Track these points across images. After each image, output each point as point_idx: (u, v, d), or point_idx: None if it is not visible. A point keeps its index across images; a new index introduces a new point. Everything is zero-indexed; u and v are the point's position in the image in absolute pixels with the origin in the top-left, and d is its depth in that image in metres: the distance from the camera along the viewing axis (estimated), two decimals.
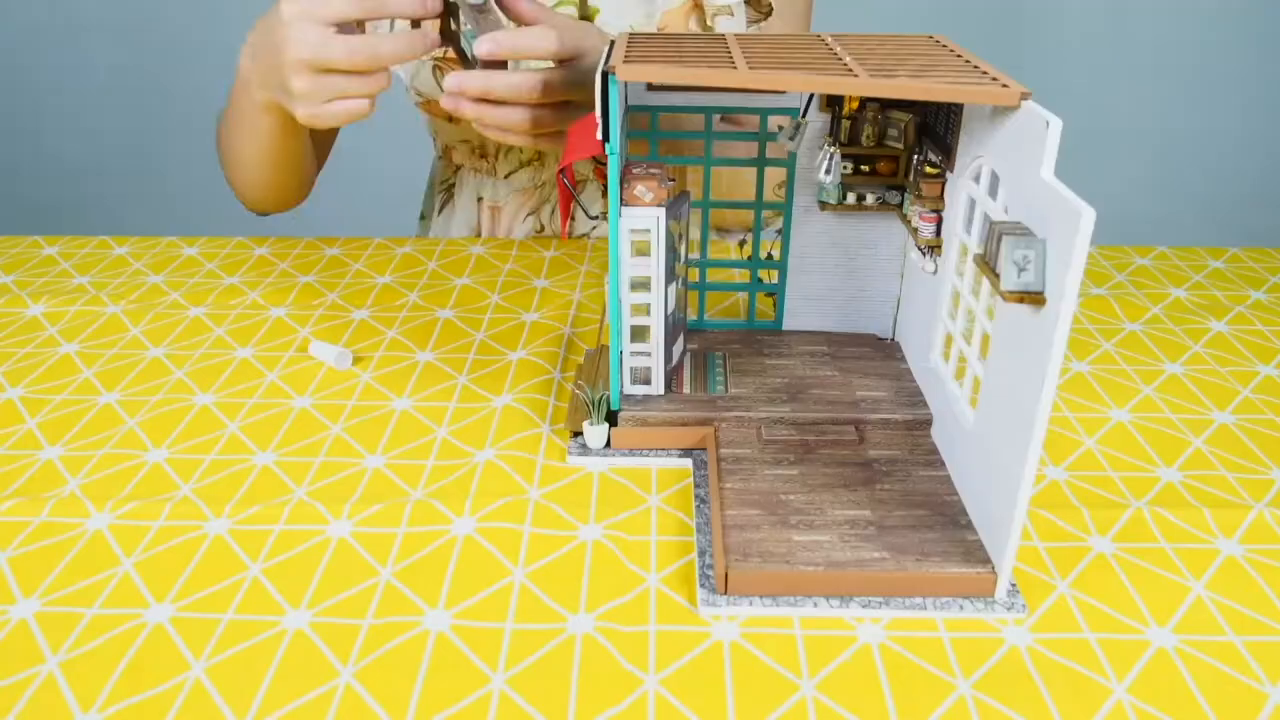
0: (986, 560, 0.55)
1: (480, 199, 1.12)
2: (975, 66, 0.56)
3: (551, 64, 0.74)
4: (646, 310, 0.67)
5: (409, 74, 1.04)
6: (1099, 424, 0.72)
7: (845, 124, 0.69)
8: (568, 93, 0.74)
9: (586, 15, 0.98)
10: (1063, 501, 0.64)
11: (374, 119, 0.81)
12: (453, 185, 1.15)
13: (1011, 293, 0.48)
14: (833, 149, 0.68)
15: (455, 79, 0.70)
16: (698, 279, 0.78)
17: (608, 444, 0.68)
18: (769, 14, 0.99)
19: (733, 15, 0.97)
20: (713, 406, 0.69)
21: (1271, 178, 2.40)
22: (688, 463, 0.67)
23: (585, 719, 0.48)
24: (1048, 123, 0.48)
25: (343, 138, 1.08)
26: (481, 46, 0.69)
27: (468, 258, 1.00)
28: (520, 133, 0.74)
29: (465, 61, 0.73)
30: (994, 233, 0.50)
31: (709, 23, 0.97)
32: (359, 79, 0.71)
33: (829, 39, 0.63)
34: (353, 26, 0.71)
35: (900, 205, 0.71)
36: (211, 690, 0.50)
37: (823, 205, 0.72)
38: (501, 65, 0.73)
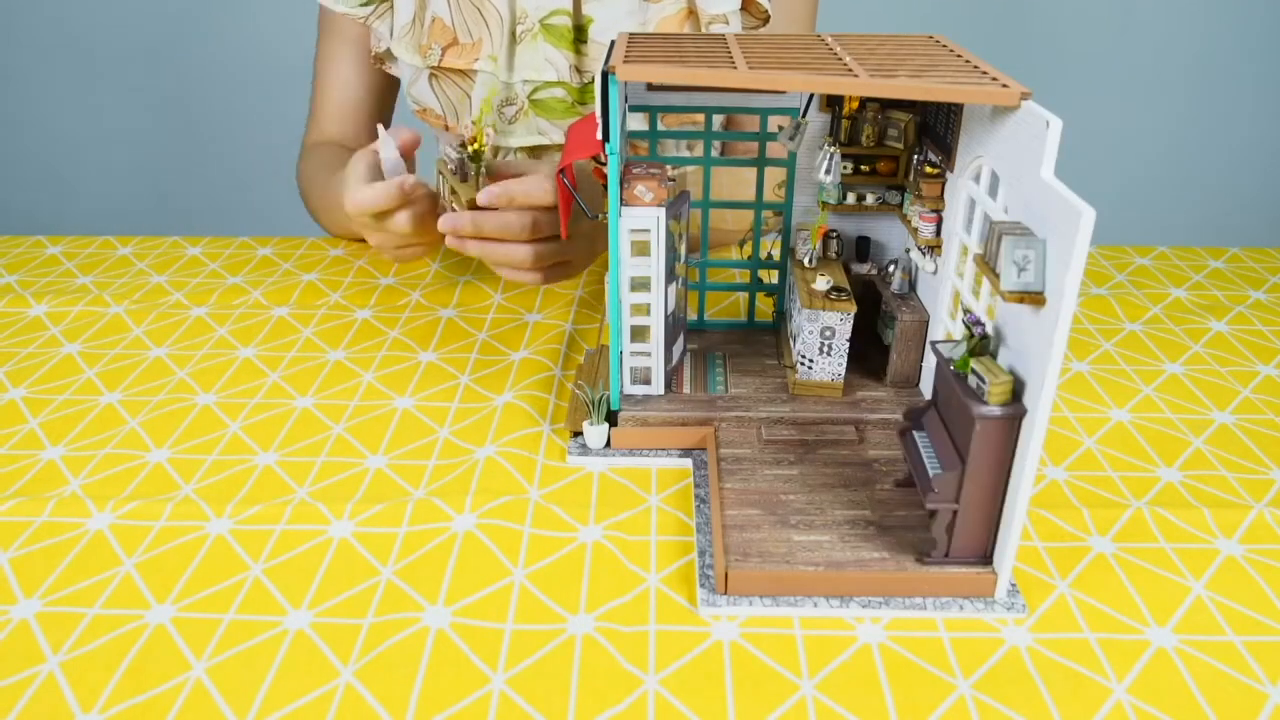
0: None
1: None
2: (975, 66, 0.56)
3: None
4: (646, 310, 0.67)
5: (407, 81, 1.05)
6: (1099, 424, 0.72)
7: (845, 124, 0.69)
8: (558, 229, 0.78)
9: (581, 25, 0.98)
10: (1063, 501, 0.64)
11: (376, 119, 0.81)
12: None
13: (1011, 293, 0.48)
14: (833, 149, 0.68)
15: (447, 220, 0.73)
16: (698, 279, 0.78)
17: (608, 444, 0.68)
18: (766, 20, 0.99)
19: (728, 24, 0.97)
20: (713, 406, 0.69)
21: (1271, 178, 2.40)
22: (688, 463, 0.67)
23: (585, 719, 0.48)
24: (1048, 123, 0.48)
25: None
26: (481, 198, 0.73)
27: (470, 258, 1.00)
28: (524, 268, 0.77)
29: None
30: (994, 233, 0.50)
31: (704, 31, 0.97)
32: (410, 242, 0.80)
33: (829, 39, 0.63)
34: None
35: (900, 205, 0.71)
36: (212, 690, 0.50)
37: (823, 205, 0.72)
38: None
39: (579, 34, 0.99)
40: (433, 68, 1.00)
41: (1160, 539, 0.60)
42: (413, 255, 0.82)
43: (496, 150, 1.06)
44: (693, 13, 0.98)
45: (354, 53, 1.06)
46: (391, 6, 1.01)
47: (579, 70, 1.00)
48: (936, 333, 0.67)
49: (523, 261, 0.76)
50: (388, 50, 1.03)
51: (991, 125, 0.55)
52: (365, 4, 1.00)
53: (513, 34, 0.98)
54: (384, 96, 1.11)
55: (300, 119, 1.13)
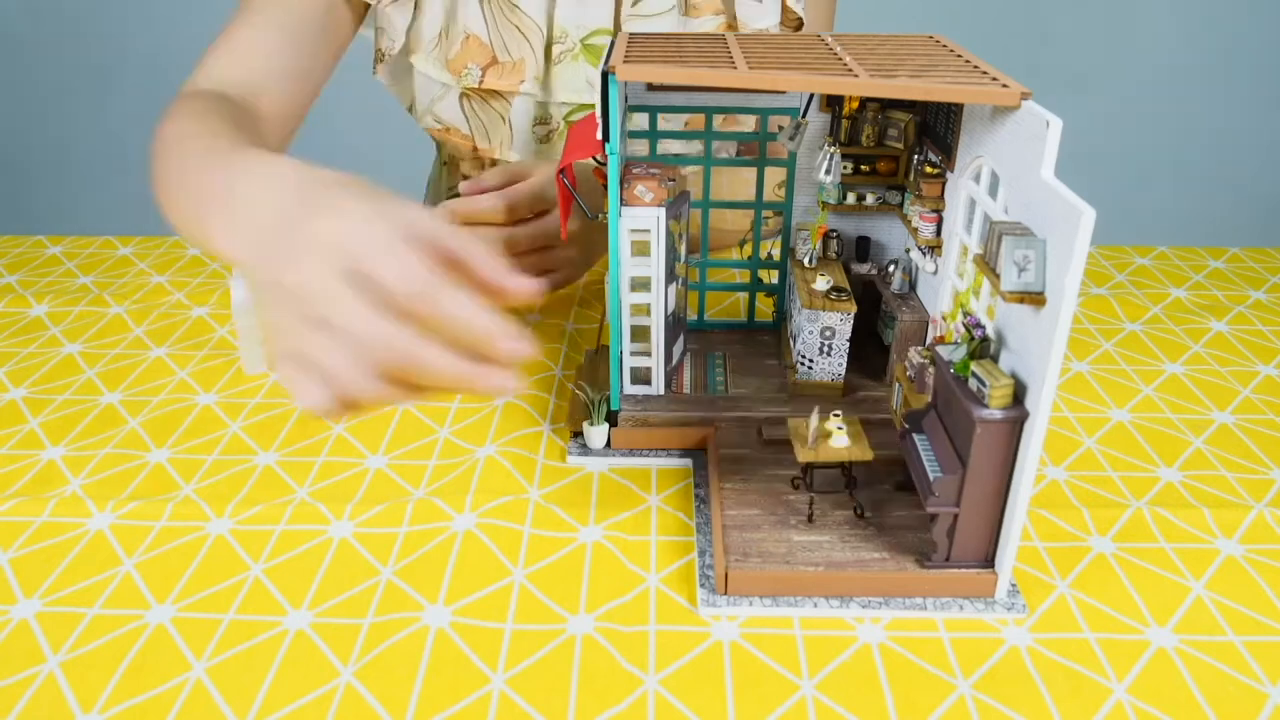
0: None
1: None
2: (975, 66, 0.56)
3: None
4: (646, 310, 0.67)
5: (428, 97, 0.98)
6: (1099, 424, 0.72)
7: (845, 124, 0.69)
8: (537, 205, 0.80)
9: None
10: (1063, 501, 0.64)
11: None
12: (457, 194, 1.14)
13: (1011, 293, 0.48)
14: (833, 149, 0.68)
15: (468, 190, 0.78)
16: (698, 279, 0.78)
17: (608, 444, 0.68)
18: (799, 27, 0.98)
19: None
20: (713, 406, 0.69)
21: (1272, 179, 2.40)
22: (688, 463, 0.67)
23: (585, 719, 0.48)
24: (1048, 123, 0.48)
25: (343, 136, 1.08)
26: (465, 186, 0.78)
27: None
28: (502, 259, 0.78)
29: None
30: (994, 233, 0.50)
31: None
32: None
33: (829, 39, 0.63)
34: None
35: (900, 205, 0.71)
36: (213, 690, 0.50)
37: (823, 205, 0.72)
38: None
39: None
40: (470, 89, 0.95)
41: (1160, 539, 0.60)
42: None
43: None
44: (732, 27, 0.96)
45: (290, 24, 0.86)
46: (415, 4, 0.92)
47: None
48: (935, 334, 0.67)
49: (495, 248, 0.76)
50: (389, 68, 0.96)
51: (991, 125, 0.55)
52: None
53: (548, 53, 0.94)
54: (338, 44, 0.91)
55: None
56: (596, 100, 0.96)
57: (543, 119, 0.98)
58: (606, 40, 0.94)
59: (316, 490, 0.65)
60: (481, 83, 0.94)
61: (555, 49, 0.94)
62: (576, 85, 0.95)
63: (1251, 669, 0.51)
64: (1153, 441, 0.70)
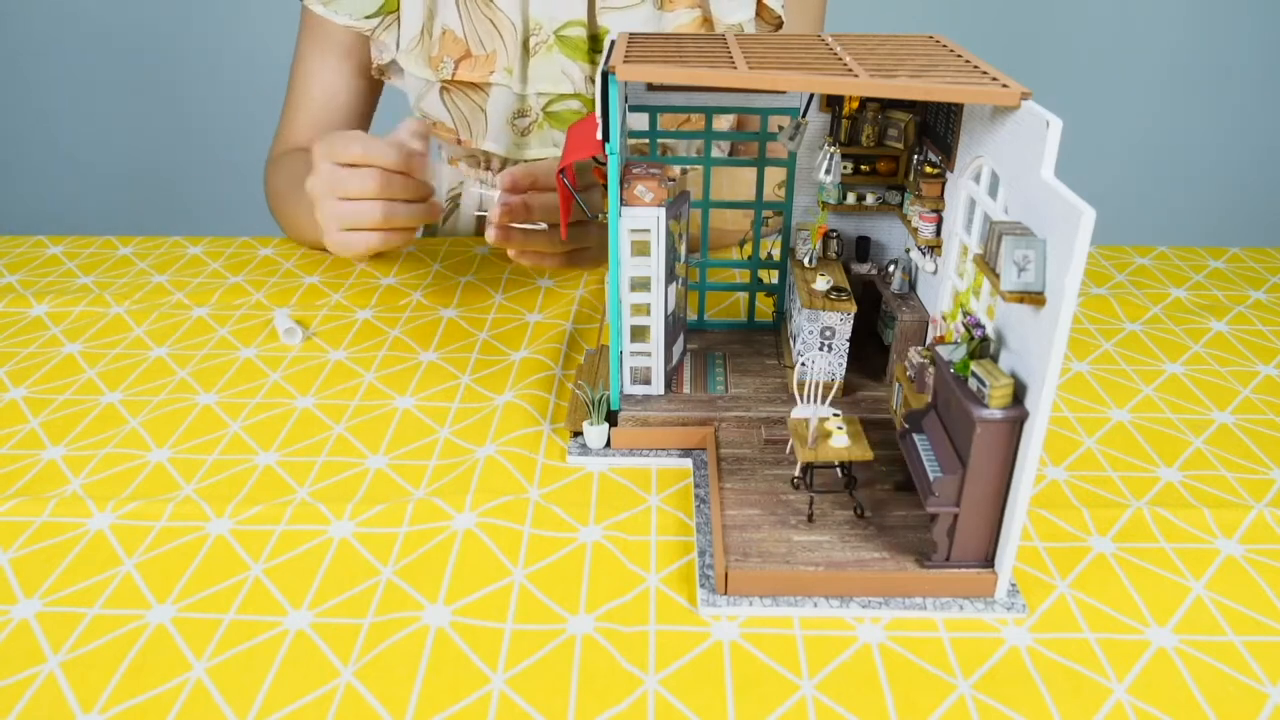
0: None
1: (484, 213, 1.12)
2: (975, 66, 0.56)
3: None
4: (646, 310, 0.67)
5: (415, 94, 1.02)
6: (1099, 424, 0.72)
7: (845, 124, 0.69)
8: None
9: (595, 35, 0.98)
10: (1063, 501, 0.64)
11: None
12: (458, 196, 1.15)
13: (1011, 293, 0.48)
14: (833, 149, 0.68)
15: (507, 178, 0.78)
16: (698, 279, 0.79)
17: (608, 444, 0.68)
18: (779, 26, 0.99)
19: (744, 32, 0.97)
20: (713, 406, 0.69)
21: (1272, 178, 2.40)
22: (688, 463, 0.67)
23: (585, 719, 0.48)
24: (1048, 123, 0.48)
25: None
26: (504, 180, 0.78)
27: (472, 258, 1.00)
28: (547, 250, 0.81)
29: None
30: (994, 233, 0.50)
31: None
32: (371, 210, 0.78)
33: (829, 39, 0.63)
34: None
35: (900, 205, 0.71)
36: (213, 691, 0.50)
37: (823, 205, 0.72)
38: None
39: (593, 44, 0.98)
40: (445, 81, 0.98)
41: (1160, 539, 0.60)
42: (363, 243, 0.80)
43: (504, 163, 1.05)
44: (707, 20, 0.97)
45: (340, 58, 1.02)
46: (398, 18, 0.98)
47: (594, 81, 0.99)
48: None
49: (549, 244, 0.80)
50: (391, 62, 1.01)
51: (991, 125, 0.55)
52: (371, 16, 0.98)
53: (525, 45, 0.97)
54: (368, 107, 1.08)
55: None
56: (571, 89, 0.98)
57: (522, 111, 1.00)
58: (580, 31, 0.97)
59: (316, 490, 0.65)
60: (455, 75, 0.97)
61: (531, 40, 0.97)
62: (552, 76, 0.98)
63: (1251, 669, 0.51)
64: (1153, 441, 0.70)
